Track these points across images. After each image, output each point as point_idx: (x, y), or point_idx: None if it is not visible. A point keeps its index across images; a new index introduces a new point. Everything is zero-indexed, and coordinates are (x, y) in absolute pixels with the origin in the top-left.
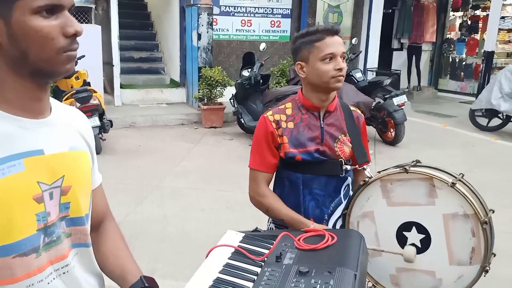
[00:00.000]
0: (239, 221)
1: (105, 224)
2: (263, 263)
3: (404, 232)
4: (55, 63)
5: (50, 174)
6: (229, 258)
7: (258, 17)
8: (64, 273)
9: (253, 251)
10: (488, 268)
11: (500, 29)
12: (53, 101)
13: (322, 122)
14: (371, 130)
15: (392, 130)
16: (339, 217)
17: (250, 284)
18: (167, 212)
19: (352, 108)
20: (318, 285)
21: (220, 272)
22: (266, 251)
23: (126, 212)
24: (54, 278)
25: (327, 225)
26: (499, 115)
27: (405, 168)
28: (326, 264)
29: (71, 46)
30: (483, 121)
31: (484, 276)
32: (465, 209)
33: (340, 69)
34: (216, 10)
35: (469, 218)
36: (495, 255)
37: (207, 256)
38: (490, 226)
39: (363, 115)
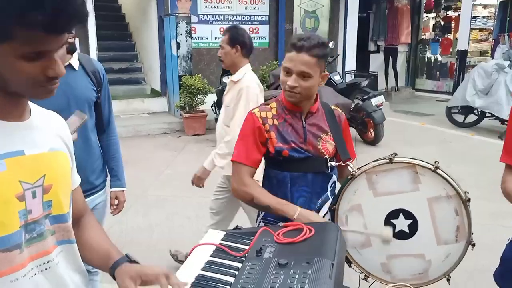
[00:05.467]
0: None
1: (85, 218)
2: (244, 259)
3: (392, 220)
4: (33, 93)
5: (31, 174)
6: (210, 256)
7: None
8: (46, 269)
9: (234, 247)
10: (473, 242)
11: (472, 29)
12: (32, 104)
13: (304, 122)
14: (351, 131)
15: (372, 130)
16: (326, 213)
17: (232, 279)
18: (153, 221)
19: (333, 107)
20: (297, 275)
21: (202, 269)
22: (247, 247)
23: (110, 223)
24: (35, 274)
25: None
26: (474, 111)
27: (390, 158)
28: (305, 255)
29: (49, 83)
30: (459, 118)
31: (472, 249)
32: (448, 191)
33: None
34: (194, 18)
35: (452, 199)
36: (473, 233)
37: (189, 255)
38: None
39: (344, 114)
